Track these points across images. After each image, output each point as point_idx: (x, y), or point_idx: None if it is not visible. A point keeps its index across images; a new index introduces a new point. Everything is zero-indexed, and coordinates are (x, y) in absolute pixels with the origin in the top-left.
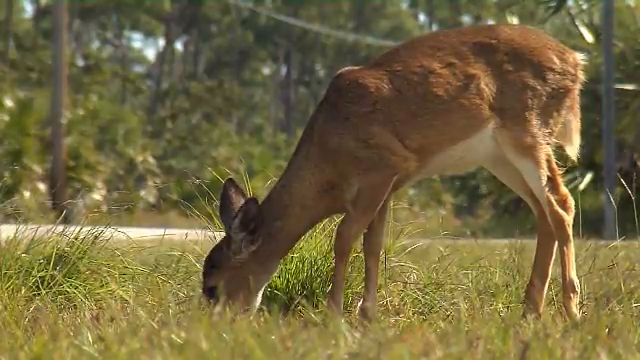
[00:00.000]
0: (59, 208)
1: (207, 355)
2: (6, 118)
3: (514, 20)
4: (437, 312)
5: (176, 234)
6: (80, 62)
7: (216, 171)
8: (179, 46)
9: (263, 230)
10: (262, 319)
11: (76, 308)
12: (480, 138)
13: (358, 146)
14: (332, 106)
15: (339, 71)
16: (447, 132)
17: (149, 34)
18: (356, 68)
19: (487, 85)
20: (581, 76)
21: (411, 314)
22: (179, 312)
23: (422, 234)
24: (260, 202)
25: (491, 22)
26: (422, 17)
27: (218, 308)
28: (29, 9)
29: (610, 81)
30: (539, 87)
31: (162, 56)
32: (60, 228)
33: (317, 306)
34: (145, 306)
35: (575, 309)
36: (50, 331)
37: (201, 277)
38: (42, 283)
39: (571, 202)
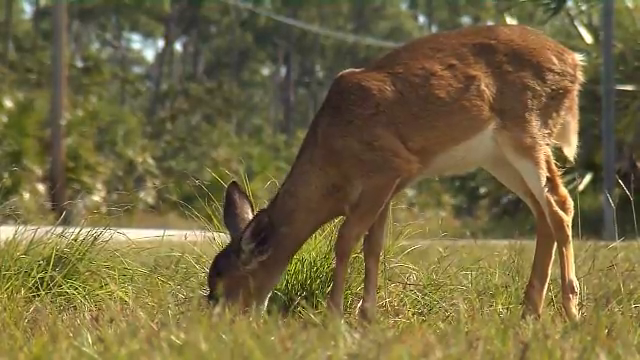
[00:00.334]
0: (58, 209)
1: (206, 356)
2: (5, 119)
3: (513, 21)
4: (437, 313)
5: (175, 235)
6: (79, 63)
7: (216, 172)
8: (178, 47)
9: (273, 241)
10: (262, 320)
11: (76, 309)
12: (480, 139)
13: (362, 148)
14: (335, 109)
15: (340, 73)
16: (449, 133)
17: (148, 35)
18: (357, 70)
19: (487, 86)
20: (580, 77)
21: (411, 315)
22: (178, 313)
23: (421, 235)
24: (267, 206)
25: (490, 23)
26: (422, 18)
27: (218, 309)
28: (28, 10)
29: (609, 82)
30: (539, 88)
31: (161, 57)
32: (59, 229)
33: (317, 307)
34: (145, 307)
35: (574, 310)
36: (50, 332)
37: (206, 283)
38: (41, 284)
39: (570, 203)
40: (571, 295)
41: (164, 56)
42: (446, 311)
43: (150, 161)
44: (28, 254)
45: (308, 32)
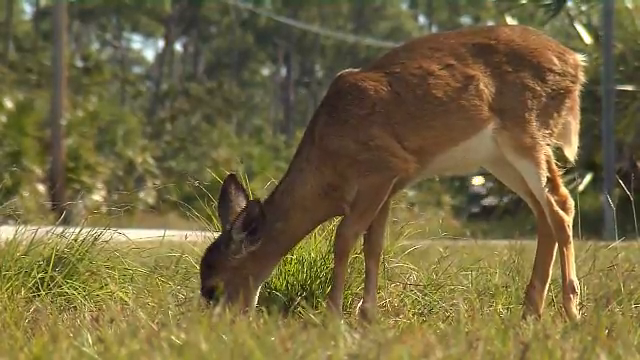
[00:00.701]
0: (59, 209)
1: (207, 356)
2: (5, 119)
3: (513, 22)
4: (437, 313)
5: (176, 235)
6: (80, 63)
7: (216, 172)
8: (179, 47)
9: (264, 232)
10: (262, 320)
11: (76, 309)
12: (480, 139)
13: (358, 148)
14: (332, 108)
15: (339, 73)
16: (447, 133)
17: (149, 35)
18: (356, 70)
19: (486, 86)
20: (581, 77)
21: (411, 315)
22: (179, 313)
23: (422, 235)
24: (263, 203)
25: (491, 23)
26: (422, 18)
27: (217, 309)
28: (29, 10)
29: (610, 82)
30: (539, 88)
31: (161, 57)
32: (60, 229)
33: (317, 307)
34: (145, 307)
35: (575, 310)
36: (50, 332)
37: (199, 279)
38: (42, 284)
39: (571, 203)
40: (571, 295)
41: (164, 56)
42: (446, 311)
43: (150, 161)
44: (28, 254)
45: (308, 32)
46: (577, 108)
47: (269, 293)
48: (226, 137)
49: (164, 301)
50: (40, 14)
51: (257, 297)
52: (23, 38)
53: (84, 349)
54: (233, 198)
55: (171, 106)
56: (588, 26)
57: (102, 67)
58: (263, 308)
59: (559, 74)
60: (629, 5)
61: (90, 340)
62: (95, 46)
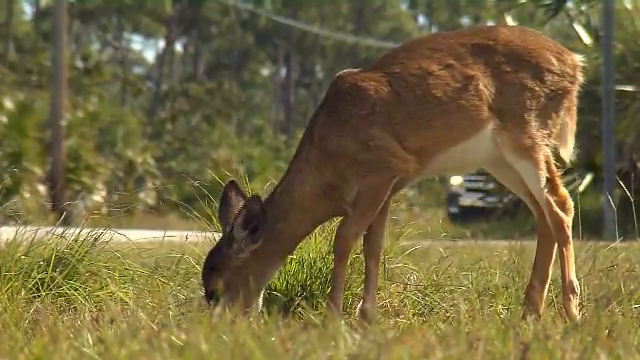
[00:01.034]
0: (59, 210)
1: (207, 357)
2: (6, 120)
3: (513, 22)
4: (437, 313)
5: (176, 236)
6: (80, 64)
7: (216, 173)
8: (179, 48)
9: (265, 230)
10: (262, 321)
11: (76, 310)
12: (479, 139)
13: (358, 149)
14: (331, 109)
15: (338, 74)
16: (446, 133)
17: (149, 36)
18: (355, 71)
19: (486, 86)
20: (580, 77)
21: (411, 315)
22: (179, 314)
23: (422, 235)
24: (255, 196)
25: (490, 24)
26: (422, 19)
27: (218, 310)
28: (29, 11)
29: (610, 83)
30: (537, 88)
31: (162, 58)
32: (60, 230)
33: (317, 308)
34: (145, 308)
35: (575, 310)
36: (50, 333)
37: (201, 281)
38: (42, 285)
39: (570, 203)
40: (571, 296)
41: (164, 57)
42: (446, 312)
43: (150, 162)
44: (28, 255)
45: (308, 33)
46: (574, 109)
47: (269, 293)
48: (226, 137)
49: (164, 302)
50: (40, 14)
51: (262, 299)
52: (23, 39)
53: (84, 350)
54: (234, 203)
55: (171, 106)
56: (588, 26)
57: (102, 68)
58: (263, 309)
59: (557, 74)
60: (628, 6)
61: (90, 341)
62: (95, 47)
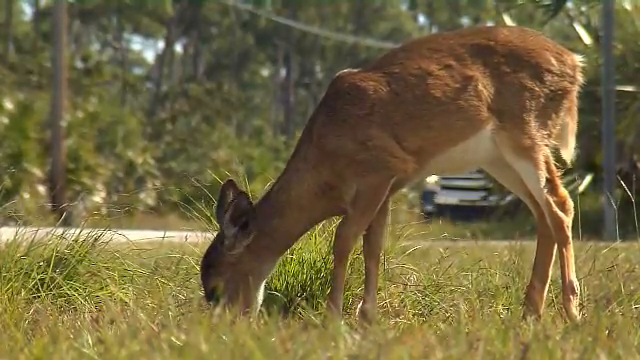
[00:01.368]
0: (59, 210)
1: (207, 357)
2: (6, 121)
3: (512, 22)
4: (437, 314)
5: (176, 236)
6: (80, 64)
7: (216, 173)
8: (179, 48)
9: (258, 226)
10: (262, 321)
11: (76, 310)
12: (478, 139)
13: (356, 148)
14: (330, 108)
15: (338, 73)
16: (445, 134)
17: (149, 36)
18: (355, 71)
19: (485, 86)
20: (579, 78)
21: (411, 316)
22: (179, 314)
23: (422, 236)
24: (259, 199)
25: (490, 24)
26: (422, 19)
27: (218, 310)
28: (28, 11)
29: (610, 83)
30: (537, 89)
31: (162, 58)
32: (60, 230)
33: (317, 308)
34: (145, 308)
35: (575, 311)
36: (50, 333)
37: (200, 281)
38: (42, 285)
39: (570, 204)
40: (571, 296)
41: (164, 57)
42: (447, 312)
43: (150, 162)
44: (28, 255)
45: (308, 33)
46: (575, 109)
47: (269, 294)
48: (226, 138)
49: (164, 302)
50: (40, 15)
51: (261, 297)
52: (23, 39)
53: (84, 350)
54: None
55: (171, 107)
56: (588, 27)
57: (102, 68)
58: (263, 309)
59: (557, 75)
60: (627, 7)
61: (90, 341)
62: (95, 47)
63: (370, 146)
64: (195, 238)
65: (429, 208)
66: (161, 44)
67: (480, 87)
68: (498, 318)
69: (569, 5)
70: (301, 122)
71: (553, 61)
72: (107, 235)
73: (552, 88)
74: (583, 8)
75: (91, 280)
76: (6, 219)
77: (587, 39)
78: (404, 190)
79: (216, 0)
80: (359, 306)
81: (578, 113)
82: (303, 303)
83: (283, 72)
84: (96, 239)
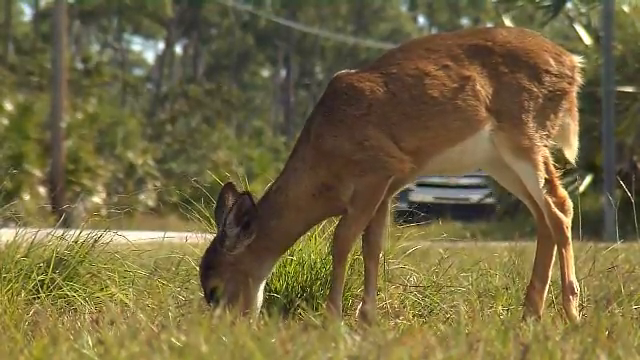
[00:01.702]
0: (59, 212)
1: (207, 358)
2: (6, 122)
3: (510, 23)
4: (437, 315)
5: (176, 237)
6: (80, 65)
7: (216, 174)
8: (179, 49)
9: (258, 226)
10: (262, 322)
11: (76, 311)
12: (476, 140)
13: (353, 148)
14: (328, 109)
15: (336, 74)
16: (443, 134)
17: (149, 37)
18: (353, 71)
19: (483, 87)
20: (578, 79)
21: (411, 317)
22: (179, 315)
23: (422, 236)
24: (259, 200)
25: (490, 25)
26: (421, 20)
27: (218, 311)
28: (28, 12)
29: (610, 84)
30: (535, 89)
31: (162, 59)
32: (60, 232)
33: (317, 309)
34: (145, 309)
35: (575, 311)
36: (50, 334)
37: (199, 282)
38: (42, 286)
39: (569, 204)
40: (571, 297)
41: (164, 58)
42: (446, 313)
43: (150, 163)
44: (28, 256)
45: (308, 34)
46: (575, 109)
47: (269, 295)
48: (226, 139)
49: (164, 303)
50: (40, 16)
51: (261, 298)
52: (23, 40)
53: (84, 351)
54: (229, 204)
55: (171, 108)
56: (588, 27)
57: (102, 69)
58: (263, 310)
59: (556, 75)
60: (626, 9)
61: (90, 342)
62: (95, 48)
63: (367, 146)
64: (195, 239)
65: (403, 206)
66: (161, 45)
67: (478, 87)
68: (498, 319)
69: (569, 6)
70: (301, 123)
71: (552, 62)
72: (107, 236)
73: (551, 89)
74: (583, 9)
75: (91, 281)
76: (6, 220)
77: (587, 40)
78: None
79: (216, 1)
80: (359, 307)
81: (578, 114)
82: (303, 304)
83: (283, 73)
84: (96, 240)
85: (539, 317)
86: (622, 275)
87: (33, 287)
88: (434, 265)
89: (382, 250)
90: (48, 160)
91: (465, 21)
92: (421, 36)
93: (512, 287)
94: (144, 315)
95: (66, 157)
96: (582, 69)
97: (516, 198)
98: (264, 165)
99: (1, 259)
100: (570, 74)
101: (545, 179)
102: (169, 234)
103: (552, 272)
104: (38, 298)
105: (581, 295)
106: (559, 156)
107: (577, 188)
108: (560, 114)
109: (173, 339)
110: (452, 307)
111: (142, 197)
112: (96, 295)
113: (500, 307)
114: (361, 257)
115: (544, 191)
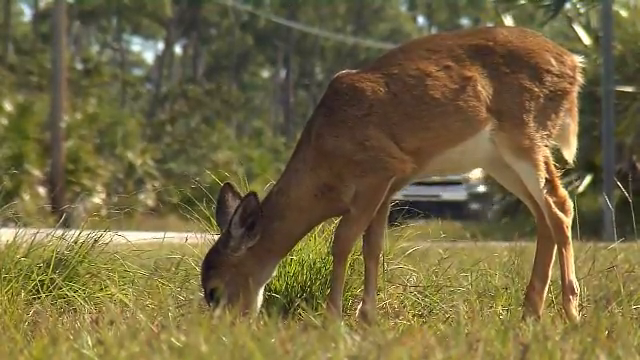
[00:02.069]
0: (59, 212)
1: (207, 358)
2: (5, 122)
3: (510, 23)
4: (437, 315)
5: (176, 237)
6: (79, 65)
7: (216, 174)
8: (178, 49)
9: (261, 227)
10: (262, 322)
11: (76, 312)
12: (477, 140)
13: (354, 149)
14: (328, 109)
15: (336, 74)
16: (444, 134)
17: (148, 37)
18: (353, 71)
19: (484, 87)
20: (579, 79)
21: (411, 317)
22: (179, 315)
23: (422, 237)
24: (262, 201)
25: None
26: (421, 20)
27: (218, 311)
28: (28, 12)
29: (609, 83)
30: (536, 89)
31: (161, 59)
32: (60, 232)
33: (317, 309)
34: (145, 309)
35: (575, 311)
36: (50, 335)
37: (200, 282)
38: (42, 287)
39: (570, 204)
40: (571, 296)
41: (164, 58)
42: (446, 313)
43: (150, 163)
44: (28, 257)
45: (308, 34)
46: (575, 110)
47: (269, 295)
48: (226, 139)
49: (164, 303)
50: (39, 16)
51: (261, 299)
52: (22, 40)
53: (84, 351)
54: (230, 205)
55: (171, 108)
56: (587, 27)
57: (102, 69)
58: (263, 310)
59: (557, 75)
60: (624, 14)
61: (90, 342)
62: (95, 48)
63: (368, 146)
64: (195, 239)
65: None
66: (160, 45)
67: (479, 87)
68: (498, 319)
69: (569, 6)
70: (301, 123)
71: (553, 62)
72: (107, 236)
73: (551, 89)
74: (582, 9)
75: (91, 281)
76: (6, 220)
77: (587, 40)
78: None
79: (215, 1)
80: (359, 307)
81: (577, 114)
82: (303, 304)
83: (283, 73)
84: (96, 240)
85: (539, 317)
86: (621, 275)
87: (33, 287)
88: (434, 265)
89: (382, 250)
90: (48, 160)
91: (465, 21)
92: (421, 36)
93: (512, 287)
94: (144, 315)
95: (66, 157)
96: (582, 69)
97: (516, 198)
98: (264, 165)
99: (1, 259)
100: (571, 74)
101: (546, 179)
102: (169, 234)
103: (552, 272)
104: (38, 298)
105: (581, 295)
106: (559, 156)
107: (577, 188)
108: (561, 114)
109: (173, 339)
110: (452, 307)
111: (142, 197)
112: (96, 295)
113: (500, 307)
114: (361, 257)
115: (544, 191)
